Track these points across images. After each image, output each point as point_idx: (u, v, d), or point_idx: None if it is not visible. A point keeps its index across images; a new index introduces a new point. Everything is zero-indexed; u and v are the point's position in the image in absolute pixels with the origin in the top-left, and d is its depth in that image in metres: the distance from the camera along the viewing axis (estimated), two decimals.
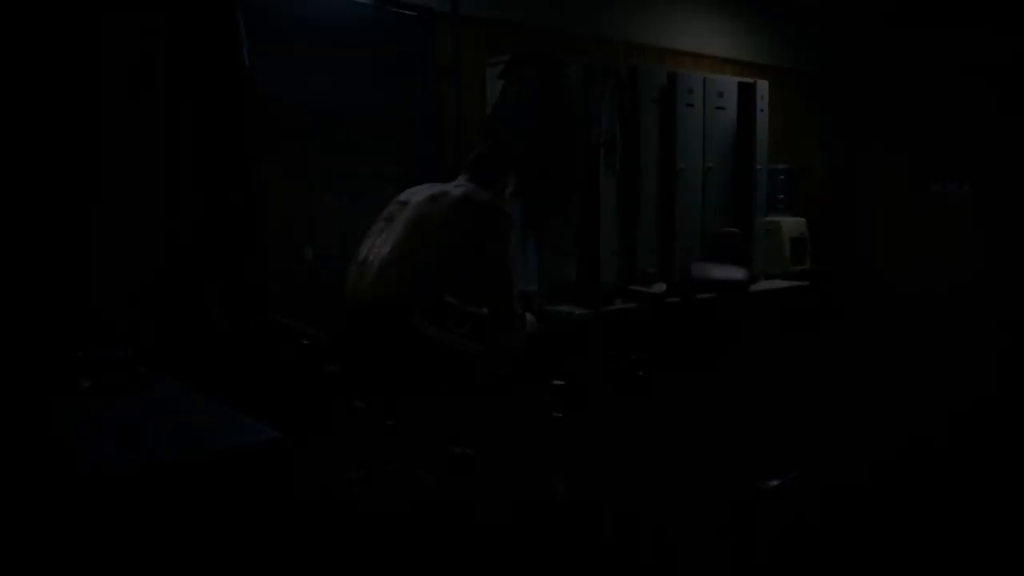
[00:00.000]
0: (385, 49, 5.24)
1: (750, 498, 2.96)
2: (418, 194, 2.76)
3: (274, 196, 4.49)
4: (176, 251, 3.64)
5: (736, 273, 5.21)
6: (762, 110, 5.76)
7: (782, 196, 6.46)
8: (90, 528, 1.59)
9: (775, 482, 3.09)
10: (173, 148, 3.62)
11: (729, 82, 5.62)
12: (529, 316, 2.96)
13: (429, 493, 2.80)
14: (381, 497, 2.65)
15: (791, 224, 6.29)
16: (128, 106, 3.51)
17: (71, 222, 2.21)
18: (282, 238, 7.06)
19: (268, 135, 4.17)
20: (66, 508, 1.58)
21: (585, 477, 3.37)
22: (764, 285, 5.74)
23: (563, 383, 4.40)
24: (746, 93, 5.68)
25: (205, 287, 3.77)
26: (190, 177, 3.63)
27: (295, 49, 5.47)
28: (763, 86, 5.79)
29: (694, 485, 3.26)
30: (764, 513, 2.88)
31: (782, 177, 6.48)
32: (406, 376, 2.60)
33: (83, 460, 1.69)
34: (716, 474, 3.33)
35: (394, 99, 5.12)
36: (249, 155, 3.69)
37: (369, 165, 7.33)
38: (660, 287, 4.83)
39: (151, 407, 2.14)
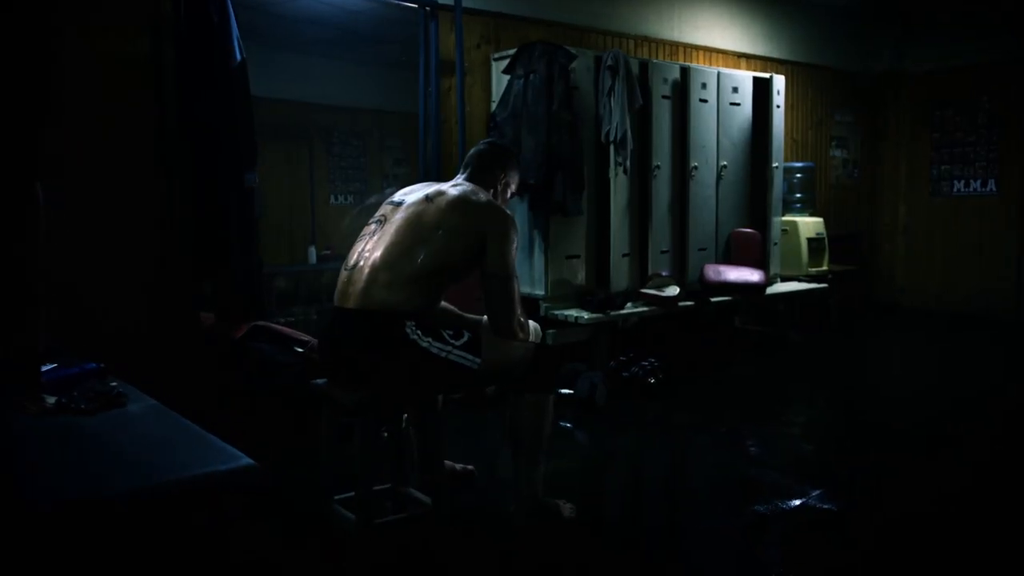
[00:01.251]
0: (386, 43, 5.08)
1: (768, 519, 2.77)
2: (412, 194, 2.57)
3: (275, 195, 4.37)
4: (169, 253, 3.47)
5: (752, 275, 5.04)
6: (778, 106, 5.60)
7: (799, 195, 6.31)
8: (30, 569, 1.42)
9: (796, 502, 2.90)
10: (165, 146, 3.46)
11: (744, 77, 5.45)
12: (533, 324, 2.76)
13: (426, 513, 2.62)
14: (374, 519, 2.46)
15: (808, 224, 6.16)
16: (118, 104, 3.35)
17: (24, 214, 2.03)
18: (284, 238, 6.92)
19: (267, 132, 4.03)
20: (7, 547, 1.41)
21: (593, 492, 3.19)
22: (780, 287, 5.57)
23: (571, 392, 4.25)
24: (762, 88, 5.52)
25: (200, 289, 3.62)
26: (183, 177, 3.47)
27: (293, 44, 5.32)
28: (779, 81, 5.64)
29: (709, 504, 3.07)
30: (784, 535, 2.69)
31: (799, 176, 6.34)
32: (399, 390, 2.41)
33: (28, 492, 1.52)
34: (733, 492, 3.13)
35: (396, 95, 4.98)
36: (243, 152, 3.50)
37: (371, 163, 7.18)
38: (673, 290, 4.67)
39: (119, 429, 1.96)
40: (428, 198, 2.49)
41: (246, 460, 1.71)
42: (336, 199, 6.97)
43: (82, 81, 3.23)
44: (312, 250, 6.51)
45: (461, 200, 2.46)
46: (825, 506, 2.87)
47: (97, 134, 3.28)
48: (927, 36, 7.25)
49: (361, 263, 2.45)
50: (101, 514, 1.50)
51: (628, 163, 4.58)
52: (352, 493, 2.54)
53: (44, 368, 2.35)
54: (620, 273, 4.71)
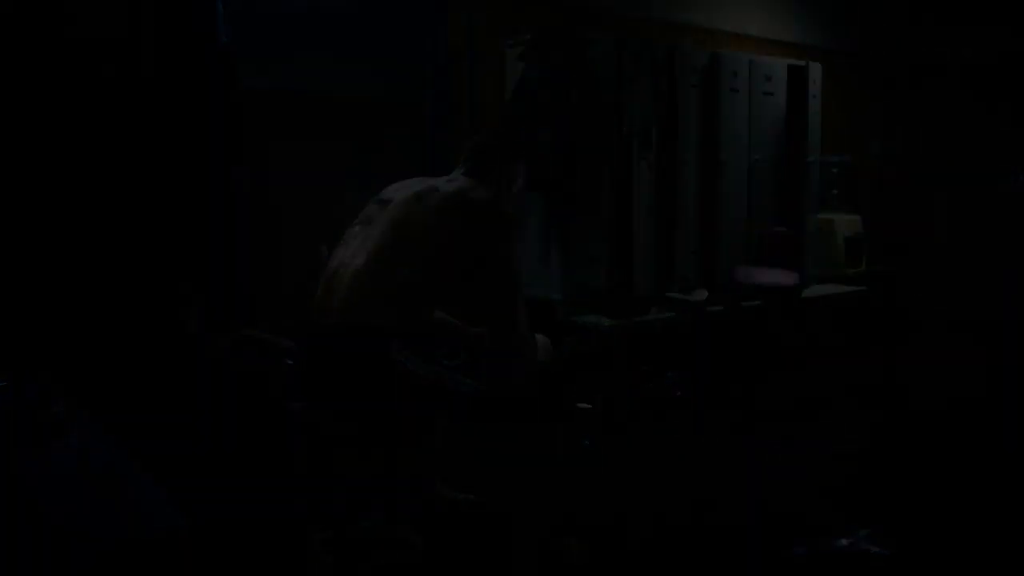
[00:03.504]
0: (392, 30, 4.85)
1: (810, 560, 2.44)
2: (402, 191, 2.27)
3: (287, 192, 4.20)
4: (150, 252, 3.21)
5: (785, 278, 4.72)
6: (814, 96, 5.32)
7: (836, 191, 6.03)
8: None
9: (841, 542, 2.56)
10: (141, 136, 3.19)
11: (778, 65, 5.18)
12: (542, 339, 2.45)
13: (417, 555, 2.31)
14: (355, 562, 2.17)
15: (846, 222, 5.87)
16: (93, 90, 3.09)
17: None
18: (296, 237, 6.67)
19: (276, 127, 3.84)
20: None
21: (609, 526, 2.88)
22: (816, 290, 5.31)
23: (590, 406, 3.95)
24: (796, 77, 5.25)
25: (178, 292, 3.35)
26: (163, 169, 3.19)
27: (294, 32, 5.07)
28: (815, 70, 5.35)
29: (740, 545, 2.74)
30: None
31: (836, 170, 6.05)
32: (381, 421, 2.11)
33: None
34: (767, 529, 2.80)
35: (403, 85, 4.73)
36: (228, 144, 3.22)
37: (386, 159, 6.91)
38: (701, 294, 4.41)
39: (45, 468, 1.68)
40: (418, 196, 2.19)
41: (177, 520, 1.41)
42: (349, 197, 6.73)
43: (52, 65, 2.97)
44: (324, 250, 6.27)
45: (455, 198, 2.15)
46: (875, 549, 2.52)
47: (70, 123, 3.02)
48: (974, 21, 6.86)
49: (342, 271, 2.15)
50: None
51: (652, 157, 4.31)
52: (331, 532, 2.24)
53: None
54: (644, 276, 4.44)
